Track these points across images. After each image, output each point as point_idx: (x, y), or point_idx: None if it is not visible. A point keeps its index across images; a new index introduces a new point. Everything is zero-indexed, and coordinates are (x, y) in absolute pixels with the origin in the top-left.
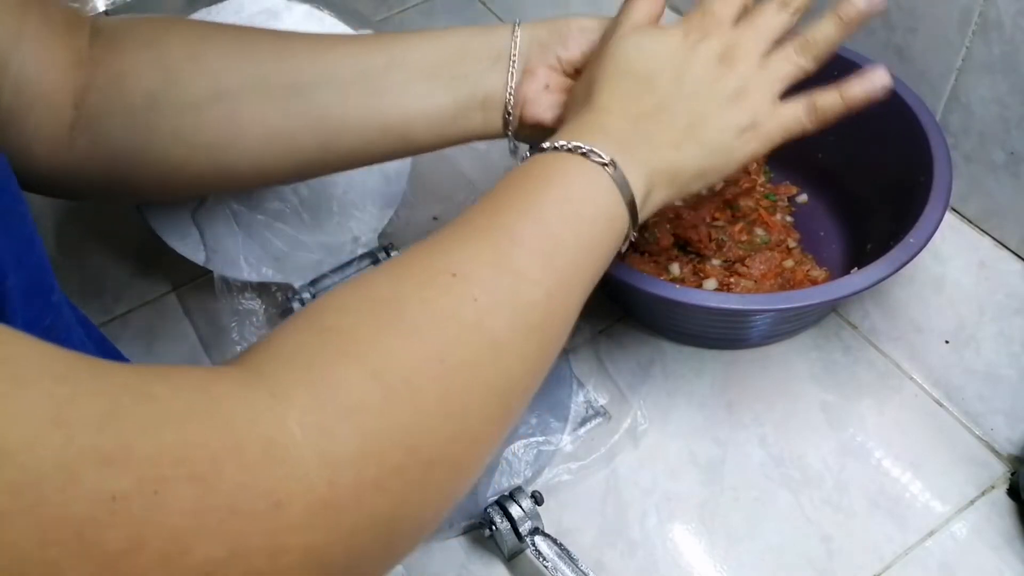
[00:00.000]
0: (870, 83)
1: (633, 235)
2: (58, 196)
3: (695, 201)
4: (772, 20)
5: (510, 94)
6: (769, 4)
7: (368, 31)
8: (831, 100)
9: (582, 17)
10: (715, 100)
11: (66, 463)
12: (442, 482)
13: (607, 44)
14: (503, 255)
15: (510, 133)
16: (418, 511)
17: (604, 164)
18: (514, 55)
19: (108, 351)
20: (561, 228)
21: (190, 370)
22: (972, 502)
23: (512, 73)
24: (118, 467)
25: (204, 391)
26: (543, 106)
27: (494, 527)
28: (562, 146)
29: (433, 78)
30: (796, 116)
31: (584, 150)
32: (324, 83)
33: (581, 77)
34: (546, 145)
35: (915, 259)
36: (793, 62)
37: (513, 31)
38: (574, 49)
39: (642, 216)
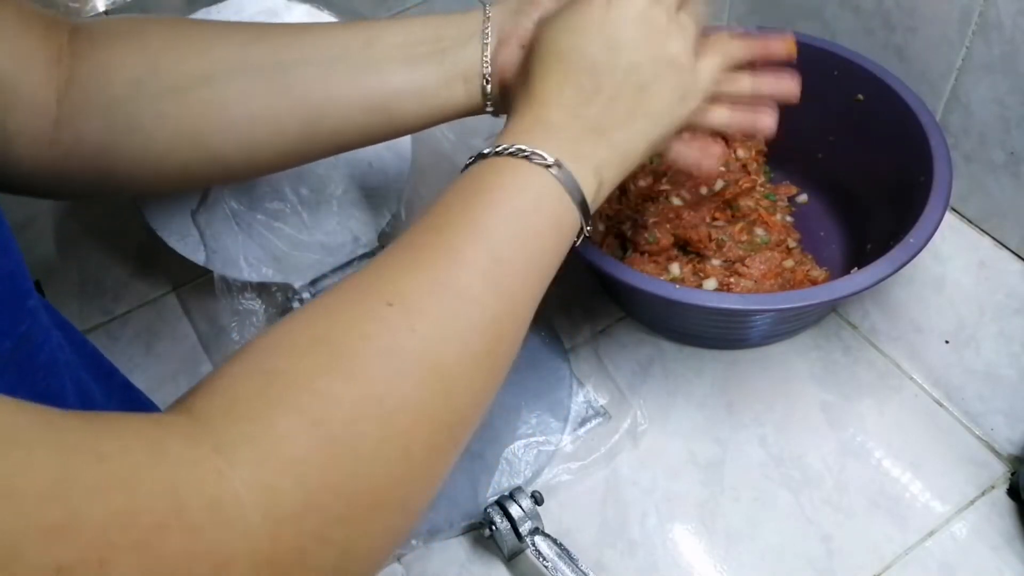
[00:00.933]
0: (773, 44)
1: (587, 230)
2: (43, 196)
3: (695, 201)
4: None
5: (486, 62)
6: None
7: None
8: (734, 46)
9: None
10: (655, 65)
11: (12, 537)
12: (387, 524)
13: (537, 30)
14: (443, 278)
15: (489, 104)
16: (364, 555)
17: (548, 166)
18: (487, 26)
19: (89, 355)
20: (506, 243)
21: (139, 423)
22: (972, 502)
23: (486, 44)
24: (64, 538)
25: (151, 449)
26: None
27: (494, 527)
28: (503, 150)
29: (412, 56)
30: (716, 64)
31: (527, 153)
32: (305, 63)
33: (520, 64)
34: (487, 150)
35: (915, 259)
36: (698, 12)
37: (485, 10)
38: (548, 9)
39: (594, 207)
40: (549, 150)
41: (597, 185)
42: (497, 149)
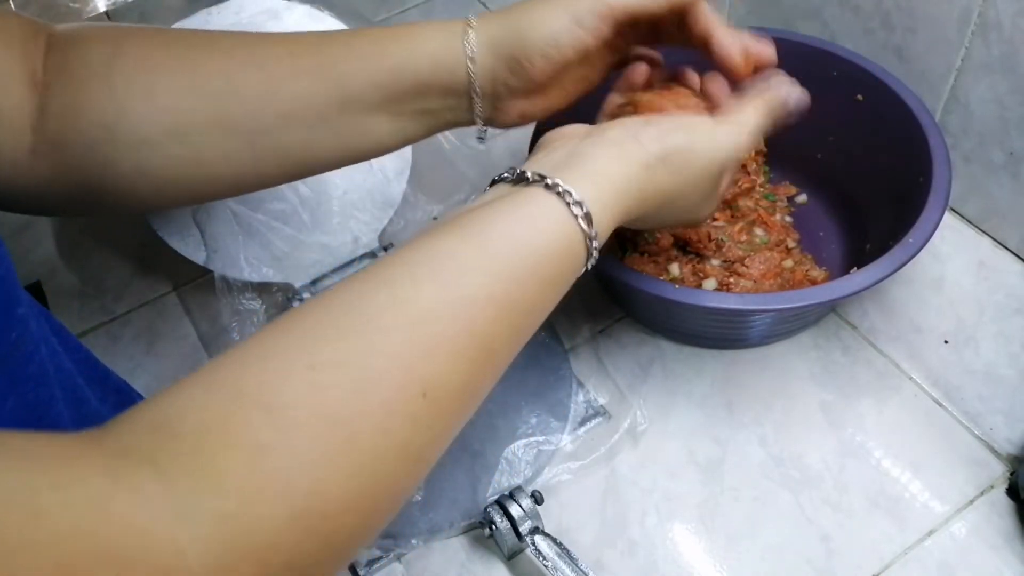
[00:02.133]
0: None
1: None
2: (23, 212)
3: None
4: None
5: (480, 123)
6: None
7: None
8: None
9: (542, 19)
10: (713, 202)
11: None
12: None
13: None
14: (472, 361)
15: (481, 131)
16: None
17: (589, 235)
18: (476, 89)
19: (83, 360)
20: (522, 314)
21: (89, 471)
22: (972, 502)
23: (476, 96)
24: None
25: (98, 506)
26: (516, 124)
27: (494, 527)
28: (563, 191)
29: (395, 114)
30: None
31: (581, 210)
32: (284, 127)
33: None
34: (550, 181)
35: (915, 259)
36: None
37: (466, 36)
38: (539, 64)
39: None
40: (599, 199)
41: (607, 234)
42: (547, 182)
